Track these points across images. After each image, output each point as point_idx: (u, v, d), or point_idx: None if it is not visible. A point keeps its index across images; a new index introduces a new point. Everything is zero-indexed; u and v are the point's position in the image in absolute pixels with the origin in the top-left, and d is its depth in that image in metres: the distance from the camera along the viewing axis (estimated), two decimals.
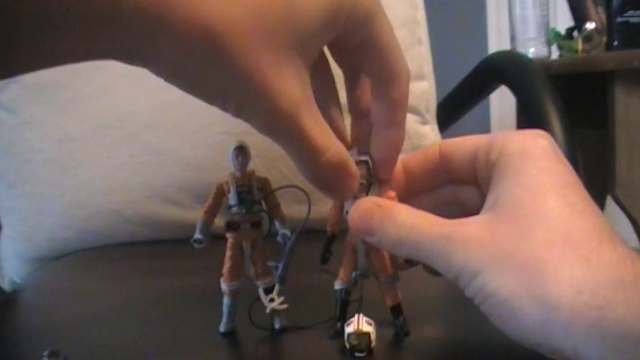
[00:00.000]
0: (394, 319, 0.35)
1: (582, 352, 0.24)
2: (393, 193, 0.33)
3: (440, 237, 0.29)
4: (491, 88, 0.99)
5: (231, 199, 0.36)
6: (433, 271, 0.34)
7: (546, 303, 0.25)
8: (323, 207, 0.39)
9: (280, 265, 0.35)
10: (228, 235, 0.36)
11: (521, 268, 0.26)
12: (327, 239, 0.35)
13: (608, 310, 0.24)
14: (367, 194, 0.33)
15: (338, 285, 0.35)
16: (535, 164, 0.29)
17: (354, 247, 0.35)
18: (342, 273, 0.35)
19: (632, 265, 0.25)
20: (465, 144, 0.33)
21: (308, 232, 0.35)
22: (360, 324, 0.32)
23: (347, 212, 0.32)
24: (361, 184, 0.32)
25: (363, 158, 0.32)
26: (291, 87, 0.26)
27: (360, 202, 0.31)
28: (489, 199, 0.29)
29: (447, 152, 0.33)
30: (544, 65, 1.18)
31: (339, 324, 0.35)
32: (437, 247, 0.28)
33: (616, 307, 0.24)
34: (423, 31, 0.78)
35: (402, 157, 0.34)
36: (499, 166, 0.29)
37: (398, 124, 0.32)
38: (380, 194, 0.33)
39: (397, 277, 0.35)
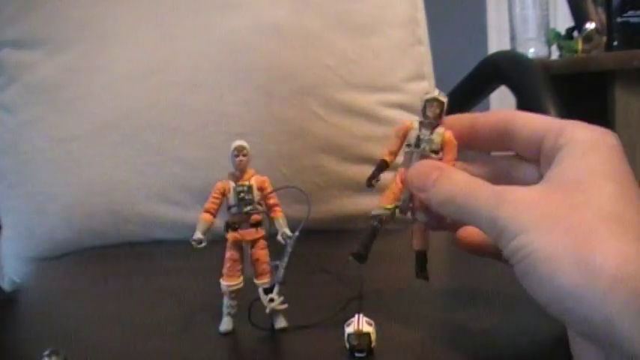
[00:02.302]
0: (416, 263, 0.35)
1: (615, 321, 0.24)
2: (453, 162, 0.34)
3: (492, 194, 0.29)
4: (491, 88, 0.99)
5: (231, 199, 0.36)
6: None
7: (589, 267, 0.25)
8: (323, 207, 0.39)
9: (280, 265, 0.35)
10: (228, 235, 0.36)
11: (569, 232, 0.26)
12: (378, 164, 0.35)
13: None
14: (432, 132, 0.34)
15: (376, 211, 0.35)
16: (600, 155, 0.29)
17: (403, 178, 0.34)
18: (383, 199, 0.35)
19: None
20: (536, 122, 0.33)
21: (308, 232, 0.35)
22: (360, 324, 0.32)
23: (407, 145, 0.34)
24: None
25: (441, 98, 0.33)
26: None
27: (421, 162, 0.33)
28: (547, 175, 0.30)
29: (517, 125, 0.34)
30: (544, 65, 1.17)
31: (361, 250, 0.34)
32: (487, 203, 0.29)
33: None
34: (423, 31, 0.78)
35: (472, 115, 0.35)
36: (565, 149, 0.30)
37: None
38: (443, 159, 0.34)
39: (433, 224, 0.35)
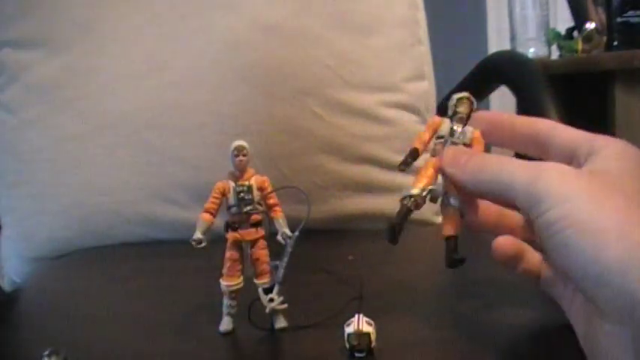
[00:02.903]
0: (446, 251, 0.34)
1: None
2: None
3: (529, 165, 0.30)
4: (491, 88, 0.99)
5: (231, 199, 0.36)
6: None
7: (635, 242, 0.25)
8: (323, 207, 0.39)
9: (280, 265, 0.35)
10: (228, 235, 0.36)
11: (618, 208, 0.27)
12: (410, 150, 0.36)
13: None
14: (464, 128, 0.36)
15: (410, 191, 0.34)
16: (628, 160, 0.31)
17: (436, 166, 0.35)
18: (415, 181, 0.35)
19: None
20: (572, 133, 0.34)
21: (308, 232, 0.35)
22: (360, 324, 0.32)
23: (439, 137, 0.36)
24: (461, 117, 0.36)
25: (472, 98, 0.36)
26: None
27: (455, 146, 0.35)
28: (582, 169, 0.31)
29: (555, 134, 0.35)
30: (544, 65, 1.17)
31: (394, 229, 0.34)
32: (524, 172, 0.30)
33: None
34: (423, 31, 0.78)
35: (512, 116, 0.37)
36: (598, 154, 0.31)
37: None
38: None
39: (465, 211, 0.35)
